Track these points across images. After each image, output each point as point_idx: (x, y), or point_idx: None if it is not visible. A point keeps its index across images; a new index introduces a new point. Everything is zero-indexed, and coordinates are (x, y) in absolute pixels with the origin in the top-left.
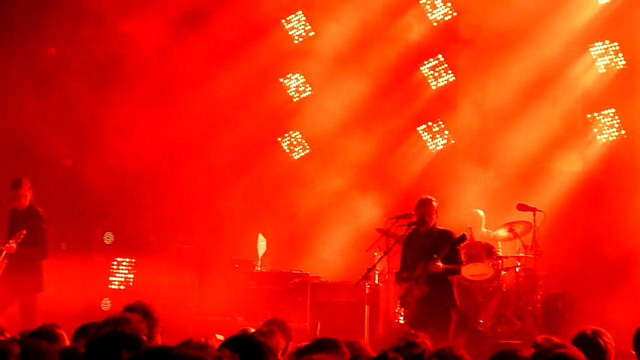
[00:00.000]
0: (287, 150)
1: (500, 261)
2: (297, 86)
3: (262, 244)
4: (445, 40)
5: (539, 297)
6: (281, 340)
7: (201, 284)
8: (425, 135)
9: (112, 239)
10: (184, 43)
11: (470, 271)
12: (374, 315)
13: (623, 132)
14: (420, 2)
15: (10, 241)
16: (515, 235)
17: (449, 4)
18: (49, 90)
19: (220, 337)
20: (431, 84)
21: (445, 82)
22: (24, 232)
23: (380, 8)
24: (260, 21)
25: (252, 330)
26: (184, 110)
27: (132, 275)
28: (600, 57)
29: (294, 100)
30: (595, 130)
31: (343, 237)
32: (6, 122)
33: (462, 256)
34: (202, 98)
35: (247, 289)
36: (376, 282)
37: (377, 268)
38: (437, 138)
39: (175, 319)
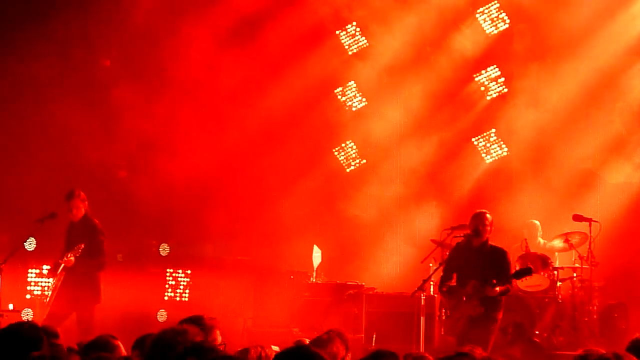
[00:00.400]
0: (342, 162)
1: (556, 272)
2: (352, 97)
3: (317, 255)
4: (500, 51)
5: (595, 308)
6: (341, 348)
7: (256, 296)
8: (479, 146)
9: (167, 250)
10: (235, 56)
11: (526, 282)
12: (429, 326)
13: None
14: (476, 12)
15: (69, 254)
16: (571, 246)
17: (503, 15)
18: (103, 102)
19: (276, 348)
20: (486, 94)
21: (499, 92)
22: (82, 245)
23: (435, 18)
24: (315, 32)
25: (307, 341)
26: (237, 123)
27: (188, 287)
28: None
29: (349, 111)
30: None
31: (398, 248)
32: (61, 134)
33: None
34: (255, 110)
35: (303, 301)
36: (432, 293)
37: (433, 279)
38: (491, 149)
39: (230, 331)
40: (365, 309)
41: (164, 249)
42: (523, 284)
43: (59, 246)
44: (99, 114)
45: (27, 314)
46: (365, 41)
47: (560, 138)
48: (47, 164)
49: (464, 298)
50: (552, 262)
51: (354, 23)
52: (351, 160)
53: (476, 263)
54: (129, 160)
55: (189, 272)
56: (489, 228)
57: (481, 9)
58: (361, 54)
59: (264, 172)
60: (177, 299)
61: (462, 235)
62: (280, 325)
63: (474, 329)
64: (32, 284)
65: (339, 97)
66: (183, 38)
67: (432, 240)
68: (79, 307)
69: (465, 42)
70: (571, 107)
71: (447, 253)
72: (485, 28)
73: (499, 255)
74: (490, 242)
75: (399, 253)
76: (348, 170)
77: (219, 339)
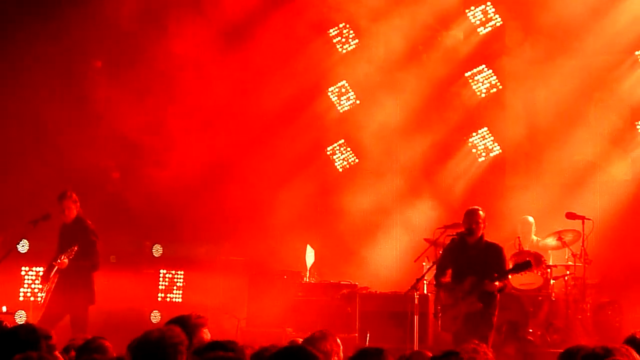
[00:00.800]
0: (334, 161)
1: (549, 270)
2: (344, 96)
3: (310, 255)
4: (492, 49)
5: (588, 306)
6: (334, 345)
7: (250, 296)
8: (472, 144)
9: (161, 251)
10: (228, 55)
11: (520, 280)
12: (423, 325)
13: None
14: (467, 11)
15: (62, 257)
16: (565, 244)
17: (493, 12)
18: (96, 103)
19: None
20: (478, 92)
21: (492, 90)
22: (76, 248)
23: (426, 17)
24: (307, 32)
25: (301, 341)
26: (231, 123)
27: (181, 288)
28: None
29: (341, 110)
30: None
31: (391, 248)
32: (53, 136)
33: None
34: (248, 110)
35: (296, 300)
36: (425, 292)
37: (426, 278)
38: (485, 147)
39: (224, 331)
40: (359, 308)
41: (157, 250)
42: (517, 282)
43: (52, 248)
44: (92, 115)
45: (21, 316)
46: (357, 40)
47: (553, 136)
48: (39, 165)
49: (461, 295)
50: (545, 260)
51: (345, 23)
52: (344, 160)
53: (472, 260)
54: (121, 161)
55: (182, 272)
56: (482, 225)
57: (472, 7)
58: (353, 53)
59: (257, 171)
60: (171, 299)
61: (455, 234)
62: (274, 325)
63: (473, 327)
64: (26, 286)
65: (332, 96)
66: (174, 37)
67: (426, 239)
68: (73, 308)
69: (457, 41)
70: (564, 105)
71: (441, 252)
72: (476, 26)
73: (495, 251)
74: (485, 239)
75: (392, 252)
76: (341, 169)
77: (207, 337)
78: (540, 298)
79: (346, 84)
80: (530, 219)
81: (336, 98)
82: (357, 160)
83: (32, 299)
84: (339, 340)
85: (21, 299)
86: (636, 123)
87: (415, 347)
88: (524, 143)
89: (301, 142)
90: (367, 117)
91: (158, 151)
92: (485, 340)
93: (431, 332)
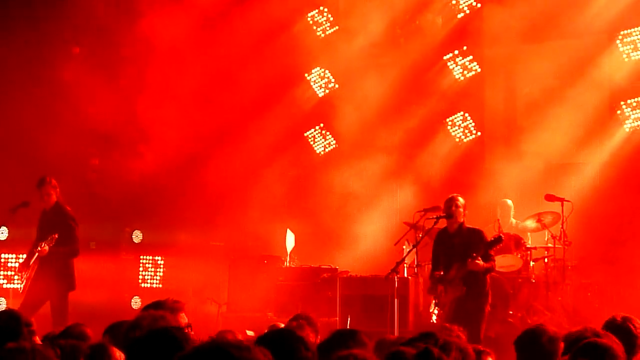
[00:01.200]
0: (314, 145)
1: (529, 252)
2: (323, 81)
3: (290, 240)
4: (471, 32)
5: (568, 287)
6: (311, 334)
7: (231, 281)
8: (452, 128)
9: (140, 237)
10: (206, 40)
11: (500, 263)
12: (403, 308)
13: None
14: None
15: (43, 244)
16: (544, 226)
17: None
18: (73, 89)
19: (251, 333)
20: (457, 76)
21: (471, 74)
22: (56, 235)
23: (405, 1)
24: (285, 16)
25: (282, 325)
26: (209, 110)
27: (161, 273)
28: (627, 45)
29: (320, 95)
30: (623, 119)
31: (371, 231)
32: (31, 122)
33: (493, 252)
34: (227, 95)
35: (277, 285)
36: (405, 275)
37: (406, 261)
38: (463, 130)
39: (205, 316)
40: (340, 292)
41: (137, 236)
42: (497, 264)
43: (31, 235)
44: (70, 102)
45: (0, 303)
46: (336, 25)
47: (533, 118)
48: (17, 152)
49: (449, 282)
50: (525, 242)
51: (324, 7)
52: (323, 144)
53: (456, 247)
54: (100, 147)
55: (162, 258)
56: (461, 210)
57: None
58: (332, 38)
59: (237, 156)
60: (152, 285)
61: (434, 217)
62: (255, 310)
63: (462, 311)
64: (6, 273)
65: (310, 80)
66: (149, 22)
67: (405, 223)
68: (53, 295)
69: (435, 25)
70: (543, 88)
71: (420, 235)
72: (455, 10)
73: (476, 235)
74: (466, 225)
75: (372, 236)
76: (320, 154)
77: (185, 321)
78: (520, 280)
79: (324, 69)
80: (509, 202)
81: (315, 82)
82: (336, 145)
83: (11, 286)
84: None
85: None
86: (614, 105)
87: (396, 330)
88: (502, 126)
89: (280, 126)
90: (346, 101)
91: (138, 137)
92: (478, 328)
93: (412, 315)
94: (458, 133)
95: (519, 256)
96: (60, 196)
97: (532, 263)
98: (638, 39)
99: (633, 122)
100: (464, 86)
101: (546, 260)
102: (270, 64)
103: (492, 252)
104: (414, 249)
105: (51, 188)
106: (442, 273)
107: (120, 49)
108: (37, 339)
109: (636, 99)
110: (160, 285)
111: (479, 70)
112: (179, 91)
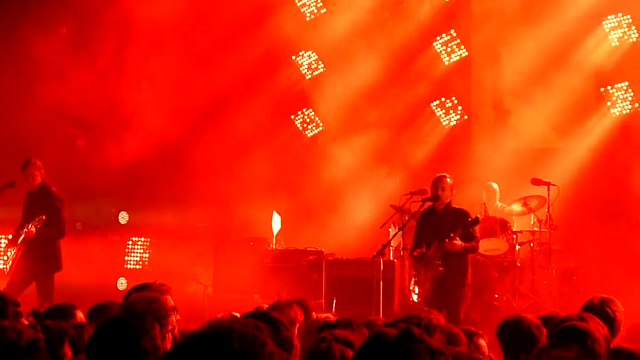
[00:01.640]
0: (301, 128)
1: (514, 236)
2: (310, 64)
3: (276, 222)
4: (458, 16)
5: (553, 271)
6: (299, 313)
7: (216, 262)
8: (438, 111)
9: (127, 218)
10: (193, 22)
11: (485, 246)
12: (388, 291)
13: (637, 105)
14: None
15: (29, 225)
16: (530, 210)
17: None
18: (59, 70)
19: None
20: (444, 59)
21: (458, 57)
22: (43, 217)
23: None
24: None
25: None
26: (196, 91)
27: (147, 255)
28: (613, 30)
29: (307, 77)
30: (608, 103)
31: (357, 214)
32: (15, 103)
33: (477, 233)
34: (213, 77)
35: (262, 267)
36: (391, 258)
37: (392, 244)
38: (450, 114)
39: (191, 298)
40: (325, 274)
41: (123, 217)
42: (482, 248)
43: (17, 215)
44: (56, 83)
45: None
46: (323, 7)
47: (519, 102)
48: (2, 134)
49: (427, 261)
50: (510, 226)
51: None
52: (310, 127)
53: (440, 226)
54: (86, 128)
55: (148, 240)
56: (448, 193)
57: None
58: (319, 21)
59: (223, 138)
60: (137, 267)
61: (420, 200)
62: (241, 292)
63: (440, 293)
64: None
65: (298, 63)
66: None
67: (392, 206)
68: (39, 275)
69: (423, 8)
70: (530, 71)
71: (407, 218)
72: None
73: (461, 215)
74: (452, 205)
75: (358, 219)
76: (307, 136)
77: (171, 304)
78: (505, 264)
79: (312, 52)
80: (495, 185)
81: (302, 65)
82: (323, 127)
83: None
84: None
85: None
86: (601, 89)
87: (381, 313)
88: (489, 110)
89: (267, 109)
90: (333, 84)
91: (123, 118)
92: (457, 309)
93: (397, 298)
94: (445, 116)
95: (504, 240)
96: (45, 177)
97: (517, 247)
98: (624, 23)
99: (618, 106)
100: (451, 70)
101: (532, 244)
102: (258, 47)
103: (475, 233)
104: (400, 232)
105: (35, 169)
106: (422, 251)
107: (101, 31)
108: (25, 320)
109: (622, 84)
110: (146, 267)
111: (466, 53)
112: (165, 72)
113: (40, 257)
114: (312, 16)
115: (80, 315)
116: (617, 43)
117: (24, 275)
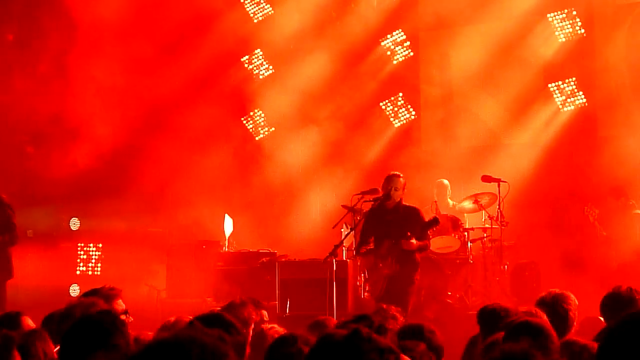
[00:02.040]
0: (251, 130)
1: (466, 233)
2: (259, 65)
3: (228, 225)
4: (406, 15)
5: (505, 267)
6: (253, 312)
7: (169, 267)
8: (388, 110)
9: (78, 224)
10: (143, 25)
11: (437, 244)
12: (341, 291)
13: (584, 100)
14: None
15: None
16: (481, 207)
17: None
18: (7, 77)
19: (190, 318)
20: (392, 58)
21: (406, 56)
22: None
23: None
24: (220, 1)
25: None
26: (146, 96)
27: (99, 261)
28: (559, 25)
29: (256, 79)
30: (557, 99)
31: (309, 215)
32: None
33: (429, 232)
34: (161, 81)
35: (215, 270)
36: (344, 258)
37: (344, 244)
38: (399, 112)
39: (144, 302)
40: (279, 276)
41: (75, 224)
42: (434, 245)
43: None
44: (2, 90)
45: None
46: (271, 8)
47: (468, 99)
48: None
49: (380, 260)
50: (462, 223)
51: None
52: (260, 129)
53: (391, 224)
54: (36, 135)
55: (100, 245)
56: (401, 190)
57: None
58: (267, 22)
59: (173, 142)
60: (89, 273)
61: (372, 199)
62: (194, 296)
63: (392, 290)
64: None
65: (246, 65)
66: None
67: (343, 206)
68: None
69: (370, 7)
70: (477, 68)
71: (358, 218)
72: None
73: (412, 213)
74: (403, 202)
75: (310, 220)
76: (257, 138)
77: (122, 307)
78: (458, 261)
79: (260, 53)
80: (445, 181)
81: (251, 67)
82: (272, 129)
83: None
84: (264, 312)
85: None
86: (549, 85)
87: (335, 314)
88: (438, 107)
89: (217, 111)
90: (282, 85)
91: (73, 125)
92: (405, 305)
93: (350, 298)
94: (395, 115)
95: (456, 237)
96: None
97: (469, 244)
98: (569, 20)
99: (566, 102)
100: (400, 68)
101: (484, 240)
102: (205, 49)
103: (428, 232)
104: (352, 232)
105: None
106: (370, 248)
107: (47, 38)
108: None
109: (568, 80)
110: (99, 273)
111: (411, 54)
112: (115, 77)
113: None
114: (261, 17)
115: (29, 322)
116: (564, 39)
117: None
